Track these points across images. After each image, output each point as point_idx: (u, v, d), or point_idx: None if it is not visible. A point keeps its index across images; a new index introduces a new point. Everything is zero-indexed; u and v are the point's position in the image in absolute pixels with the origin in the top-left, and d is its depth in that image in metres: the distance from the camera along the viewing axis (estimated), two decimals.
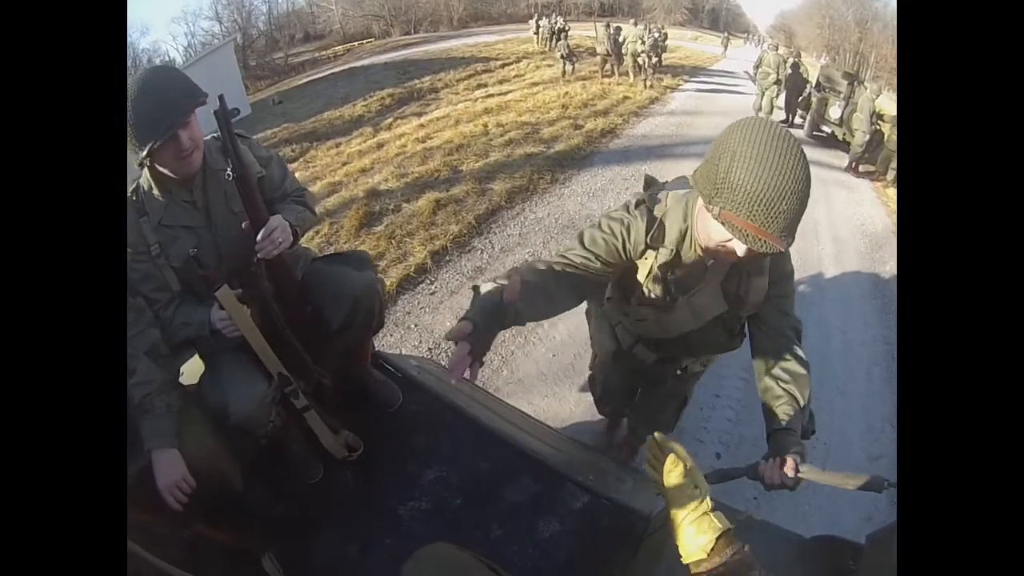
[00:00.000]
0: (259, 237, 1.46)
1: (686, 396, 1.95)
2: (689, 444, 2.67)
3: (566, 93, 11.03)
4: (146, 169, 1.48)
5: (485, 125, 8.32)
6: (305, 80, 19.09)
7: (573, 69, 13.45)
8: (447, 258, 4.82)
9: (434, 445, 1.82)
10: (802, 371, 1.34)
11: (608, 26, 13.20)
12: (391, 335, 3.94)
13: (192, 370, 1.65)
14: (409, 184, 6.13)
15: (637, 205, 1.34)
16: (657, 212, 1.31)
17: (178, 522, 1.43)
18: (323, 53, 32.68)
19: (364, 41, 34.28)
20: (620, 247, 1.32)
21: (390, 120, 9.90)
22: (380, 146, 8.13)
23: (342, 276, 1.69)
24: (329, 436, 1.73)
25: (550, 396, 3.38)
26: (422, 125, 8.94)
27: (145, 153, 1.35)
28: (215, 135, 1.56)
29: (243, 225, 1.50)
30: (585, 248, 1.31)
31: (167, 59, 33.91)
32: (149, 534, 1.33)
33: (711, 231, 1.15)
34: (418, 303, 4.38)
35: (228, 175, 1.46)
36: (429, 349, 3.96)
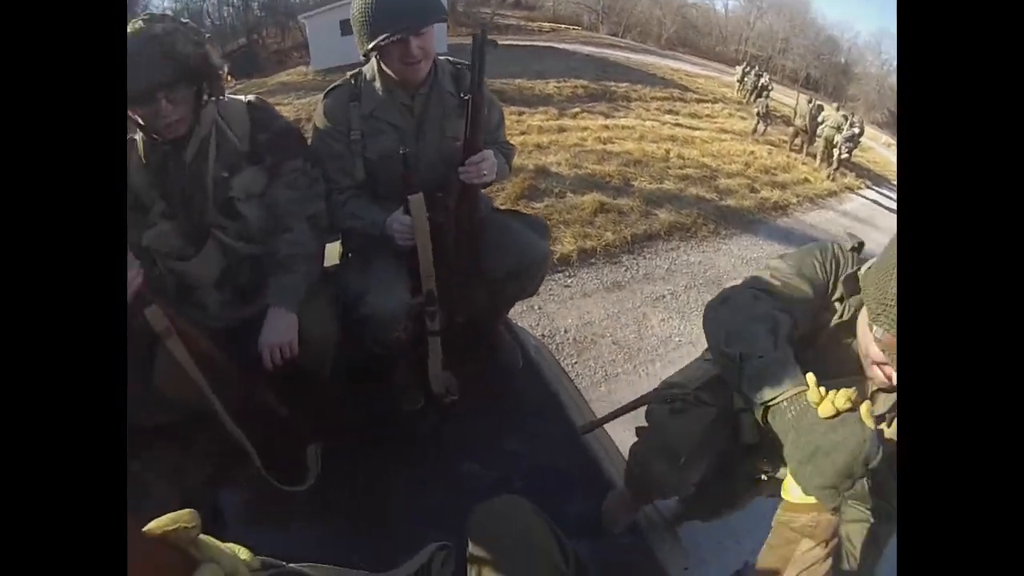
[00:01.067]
0: (469, 161, 1.48)
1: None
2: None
3: (751, 152, 10.67)
4: (375, 62, 1.51)
5: (667, 151, 8.21)
6: (506, 43, 19.60)
7: (765, 130, 12.98)
8: (592, 260, 4.83)
9: (522, 424, 1.79)
10: None
11: (811, 101, 12.63)
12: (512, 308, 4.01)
13: (329, 255, 1.68)
14: (580, 177, 6.19)
15: (852, 248, 1.18)
16: (863, 269, 1.13)
17: (255, 380, 1.46)
18: (529, 24, 33.38)
19: (571, 27, 34.73)
20: (826, 279, 1.17)
21: (577, 110, 10.00)
22: (561, 130, 8.24)
23: (520, 234, 1.67)
24: (439, 368, 1.73)
25: (631, 432, 3.31)
26: (607, 127, 8.96)
27: (371, 46, 1.39)
28: (449, 57, 1.62)
29: (457, 143, 1.53)
30: (790, 268, 1.17)
31: None
32: (222, 379, 1.39)
33: (870, 348, 1.02)
34: (549, 290, 4.42)
35: (464, 95, 1.50)
36: (543, 335, 4.00)
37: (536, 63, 14.51)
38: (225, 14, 35.40)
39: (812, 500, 0.87)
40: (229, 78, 1.48)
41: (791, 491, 0.92)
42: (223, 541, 1.32)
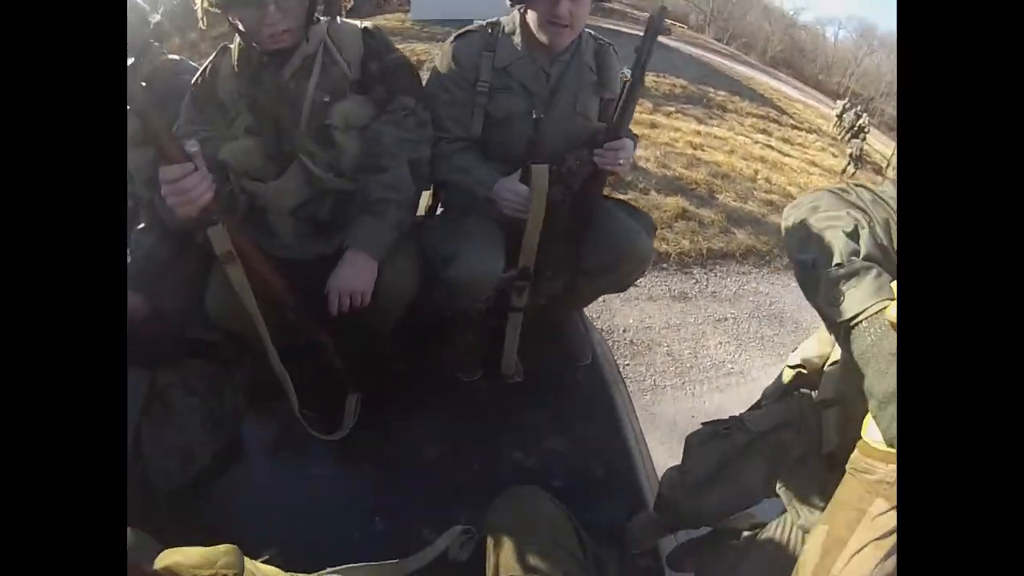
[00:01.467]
0: (607, 146, 1.36)
1: None
2: None
3: None
4: (517, 15, 1.44)
5: (755, 172, 7.94)
6: (610, 26, 19.17)
7: (854, 174, 12.49)
8: (664, 265, 4.71)
9: (572, 421, 1.71)
10: None
11: None
12: None
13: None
14: (667, 178, 6.06)
15: None
16: None
17: (314, 323, 1.38)
18: (635, 12, 32.56)
19: (677, 24, 33.74)
20: None
21: (672, 109, 9.75)
22: (653, 126, 8.07)
23: (630, 230, 1.53)
24: (515, 346, 1.64)
25: (664, 447, 3.24)
26: (699, 132, 8.75)
27: None
28: (595, 33, 1.52)
29: (584, 122, 1.45)
30: None
31: None
32: (278, 314, 1.31)
33: None
34: None
35: (624, 73, 1.38)
36: (602, 329, 3.93)
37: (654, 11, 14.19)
38: None
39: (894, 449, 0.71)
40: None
41: (871, 432, 0.76)
42: (239, 475, 1.29)
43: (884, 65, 43.97)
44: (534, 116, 1.35)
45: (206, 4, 1.19)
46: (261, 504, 1.37)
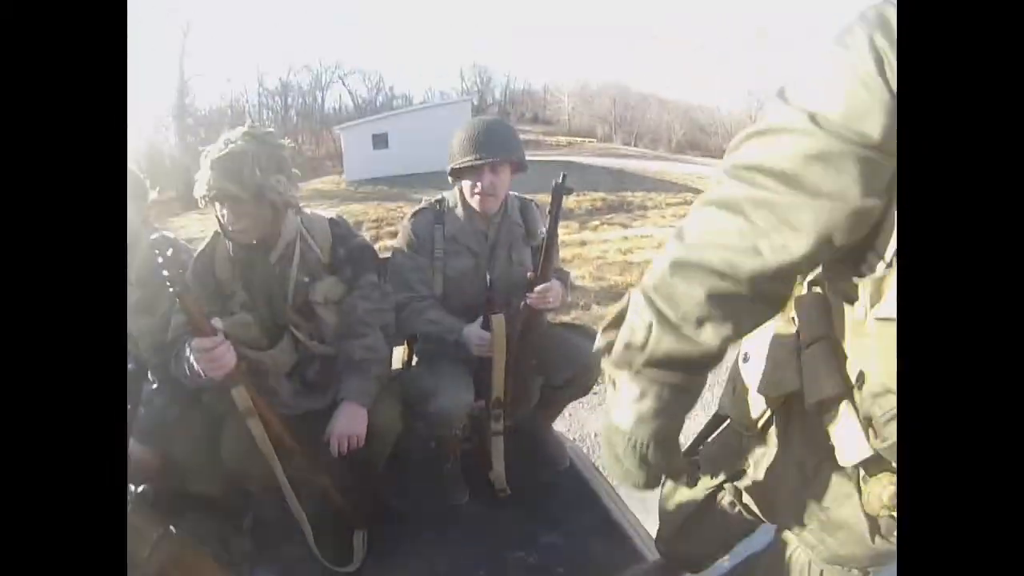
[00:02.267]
0: (538, 288, 1.67)
1: None
2: None
3: None
4: (457, 191, 1.76)
5: None
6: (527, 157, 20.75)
7: None
8: None
9: (563, 517, 1.87)
10: None
11: None
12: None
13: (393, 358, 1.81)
14: (604, 289, 6.57)
15: None
16: None
17: (317, 468, 1.56)
18: (547, 138, 35.07)
19: (587, 139, 36.55)
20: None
21: (597, 223, 10.58)
22: (583, 243, 8.78)
23: (577, 345, 1.81)
24: (501, 466, 1.85)
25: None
26: (626, 238, 9.47)
27: (451, 166, 1.66)
28: (518, 194, 1.88)
29: (528, 274, 1.74)
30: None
31: (408, 94, 40.62)
32: (286, 460, 1.49)
33: None
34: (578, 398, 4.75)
35: (542, 232, 1.77)
36: (574, 438, 4.28)
37: (556, 178, 15.29)
38: (265, 116, 37.07)
39: None
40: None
41: None
42: None
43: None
44: (488, 278, 1.68)
45: (201, 194, 1.41)
46: None
